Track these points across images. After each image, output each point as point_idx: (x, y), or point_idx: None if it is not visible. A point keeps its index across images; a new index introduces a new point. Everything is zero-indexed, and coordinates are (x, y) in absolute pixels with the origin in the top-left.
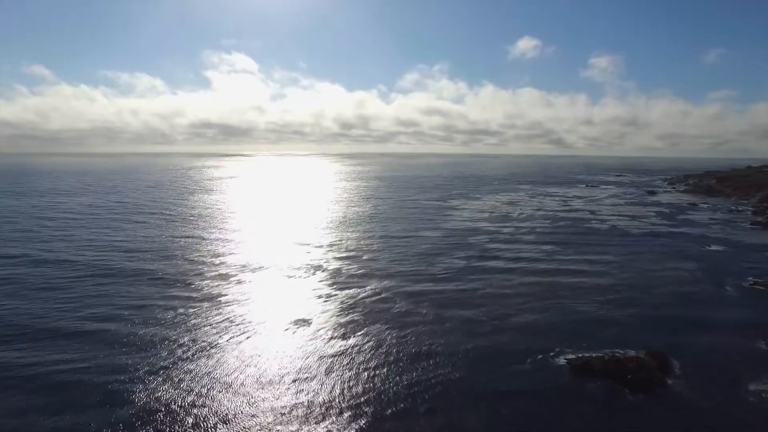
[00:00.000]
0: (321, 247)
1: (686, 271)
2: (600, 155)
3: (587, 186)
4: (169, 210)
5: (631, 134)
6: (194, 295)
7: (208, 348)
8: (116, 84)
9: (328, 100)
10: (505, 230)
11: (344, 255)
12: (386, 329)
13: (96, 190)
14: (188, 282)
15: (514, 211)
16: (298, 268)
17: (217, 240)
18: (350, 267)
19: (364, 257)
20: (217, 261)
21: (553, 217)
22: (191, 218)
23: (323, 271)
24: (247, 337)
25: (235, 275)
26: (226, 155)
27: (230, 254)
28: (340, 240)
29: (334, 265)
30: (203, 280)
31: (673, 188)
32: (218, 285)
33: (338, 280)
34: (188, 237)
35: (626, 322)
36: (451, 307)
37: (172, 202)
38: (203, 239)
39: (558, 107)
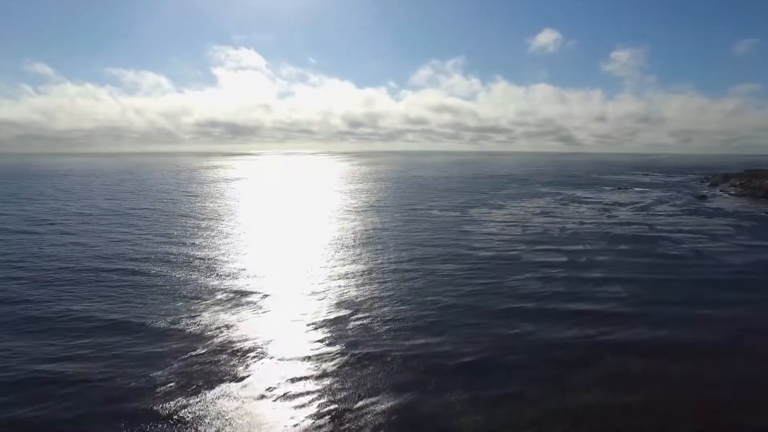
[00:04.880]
0: (298, 295)
1: None
2: (611, 152)
3: (619, 188)
4: (118, 227)
5: (642, 131)
6: None
7: None
8: (121, 82)
9: (337, 98)
10: (553, 258)
11: (326, 315)
12: None
13: (61, 195)
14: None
15: (551, 225)
16: (254, 346)
17: (156, 280)
18: (331, 341)
19: (353, 321)
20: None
21: (606, 235)
22: (157, 235)
23: (292, 346)
24: None
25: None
26: (233, 154)
27: (159, 313)
28: (327, 282)
29: (307, 336)
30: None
31: (721, 191)
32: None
33: (306, 388)
34: (108, 270)
35: None
36: None
37: (141, 208)
38: (141, 272)
39: (572, 103)
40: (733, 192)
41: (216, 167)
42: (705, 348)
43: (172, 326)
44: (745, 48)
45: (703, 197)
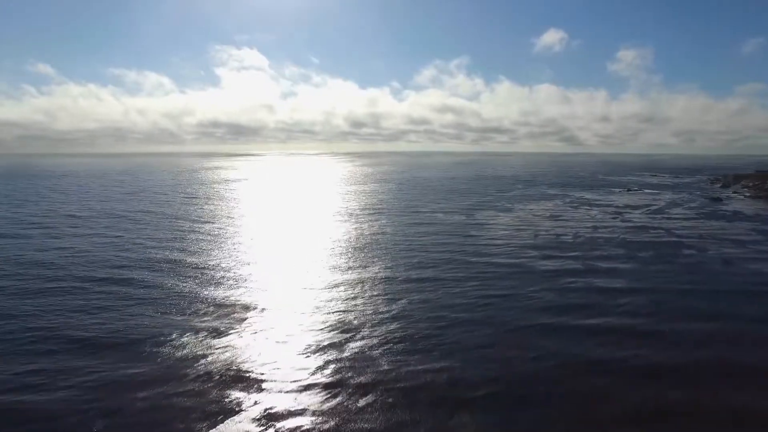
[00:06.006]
0: (289, 311)
1: None
2: (613, 152)
3: (629, 190)
4: (108, 231)
5: (645, 131)
6: None
7: None
8: (123, 82)
9: (340, 98)
10: (568, 266)
11: (318, 336)
12: None
13: (57, 197)
14: None
15: (563, 230)
16: (236, 376)
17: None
18: (323, 369)
19: (349, 343)
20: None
21: (623, 240)
22: (146, 240)
23: (278, 376)
24: None
25: None
26: (235, 155)
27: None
28: (322, 294)
29: (296, 362)
30: None
31: (734, 192)
32: None
33: (292, 427)
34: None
35: None
36: None
37: (136, 211)
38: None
39: (575, 103)
40: (747, 194)
41: (218, 168)
42: (753, 373)
43: (146, 348)
44: (750, 47)
45: (718, 199)
